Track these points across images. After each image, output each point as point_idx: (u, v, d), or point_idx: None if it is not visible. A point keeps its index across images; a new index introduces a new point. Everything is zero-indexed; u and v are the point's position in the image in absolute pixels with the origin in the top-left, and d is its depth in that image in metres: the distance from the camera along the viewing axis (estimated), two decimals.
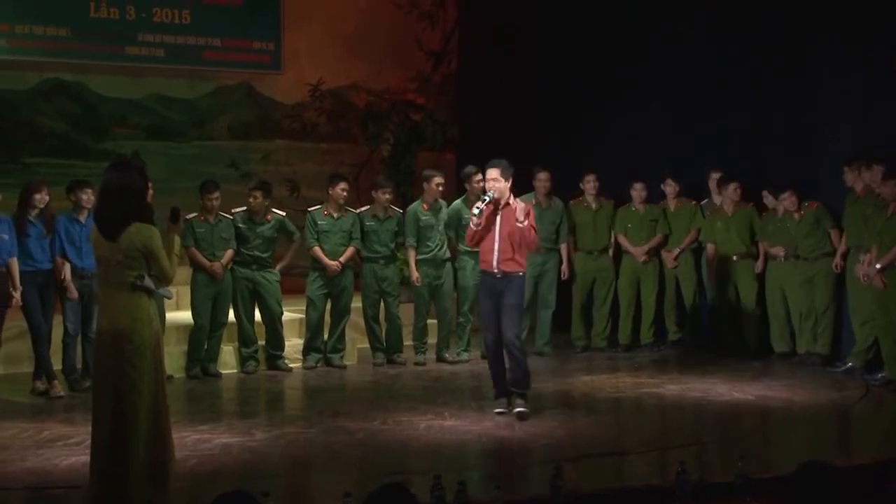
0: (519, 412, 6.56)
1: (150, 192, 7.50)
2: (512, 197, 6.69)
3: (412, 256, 8.66)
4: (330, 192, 8.62)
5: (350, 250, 8.58)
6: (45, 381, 7.39)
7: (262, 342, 8.53)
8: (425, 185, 8.80)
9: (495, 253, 6.61)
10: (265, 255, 8.41)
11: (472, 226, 6.65)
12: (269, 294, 8.40)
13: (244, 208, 8.41)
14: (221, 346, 8.33)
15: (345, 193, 8.59)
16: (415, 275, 8.61)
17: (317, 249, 8.53)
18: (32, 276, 7.33)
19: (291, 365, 8.55)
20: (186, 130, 11.03)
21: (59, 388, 7.33)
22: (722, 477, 5.08)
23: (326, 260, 8.49)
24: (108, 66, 10.41)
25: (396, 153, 11.31)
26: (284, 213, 8.64)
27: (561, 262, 9.14)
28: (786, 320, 8.62)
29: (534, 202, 9.04)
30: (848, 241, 8.10)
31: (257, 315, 8.49)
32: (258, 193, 8.37)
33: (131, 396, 4.61)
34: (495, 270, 6.62)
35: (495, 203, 6.62)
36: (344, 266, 8.56)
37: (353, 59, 11.47)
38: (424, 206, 8.71)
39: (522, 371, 6.67)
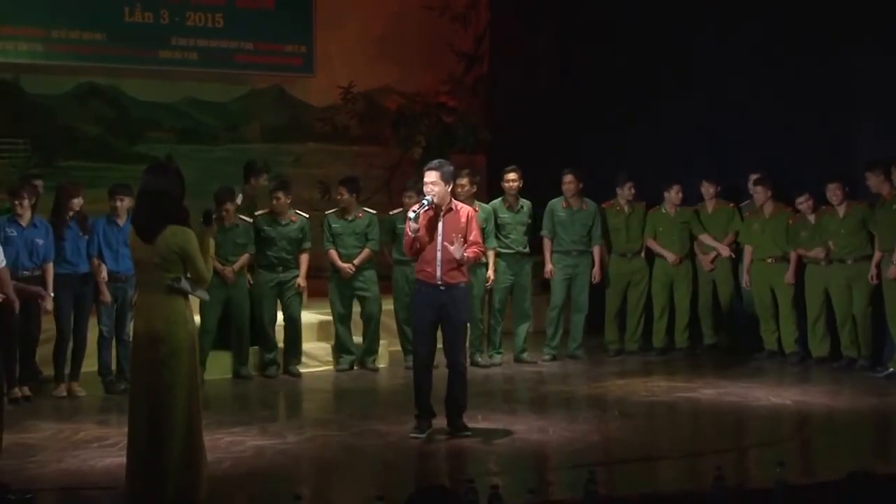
0: (465, 436, 6.19)
1: None
2: (453, 202, 6.32)
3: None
4: None
5: (365, 252, 8.53)
6: (67, 384, 7.43)
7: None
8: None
9: (438, 263, 6.17)
10: (290, 257, 8.37)
11: (408, 232, 6.20)
12: (294, 296, 8.36)
13: (266, 210, 8.38)
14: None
15: (339, 197, 8.53)
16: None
17: (332, 252, 8.52)
18: (69, 280, 7.38)
19: (323, 368, 8.53)
20: (219, 133, 11.07)
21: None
22: (760, 483, 5.01)
23: (339, 263, 8.46)
24: (141, 70, 10.48)
25: (428, 156, 11.26)
26: (308, 217, 8.57)
27: (593, 265, 9.09)
28: (825, 324, 8.50)
29: (564, 205, 9.06)
30: (879, 245, 7.99)
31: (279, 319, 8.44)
32: (280, 194, 8.34)
33: (167, 398, 4.62)
34: (438, 282, 6.18)
35: (435, 208, 6.23)
36: (359, 268, 8.52)
37: (384, 62, 11.46)
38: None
39: (465, 394, 6.34)
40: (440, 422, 6.36)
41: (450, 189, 6.31)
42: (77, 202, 7.40)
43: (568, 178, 8.99)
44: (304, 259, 8.46)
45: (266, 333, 8.34)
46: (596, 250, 9.11)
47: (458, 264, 6.23)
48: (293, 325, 8.41)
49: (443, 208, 6.26)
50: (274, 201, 8.35)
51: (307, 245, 8.47)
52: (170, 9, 10.49)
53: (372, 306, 8.63)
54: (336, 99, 11.40)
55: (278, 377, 8.30)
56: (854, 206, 8.26)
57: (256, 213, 8.39)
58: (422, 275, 6.30)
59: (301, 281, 8.40)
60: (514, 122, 11.36)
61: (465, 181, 8.49)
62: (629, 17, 10.19)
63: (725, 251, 9.10)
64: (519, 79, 11.55)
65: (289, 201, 8.41)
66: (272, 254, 8.32)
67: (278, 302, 8.41)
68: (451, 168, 6.39)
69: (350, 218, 8.56)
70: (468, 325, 6.72)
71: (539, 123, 10.99)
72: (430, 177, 6.22)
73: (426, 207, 6.20)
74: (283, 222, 8.36)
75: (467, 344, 7.25)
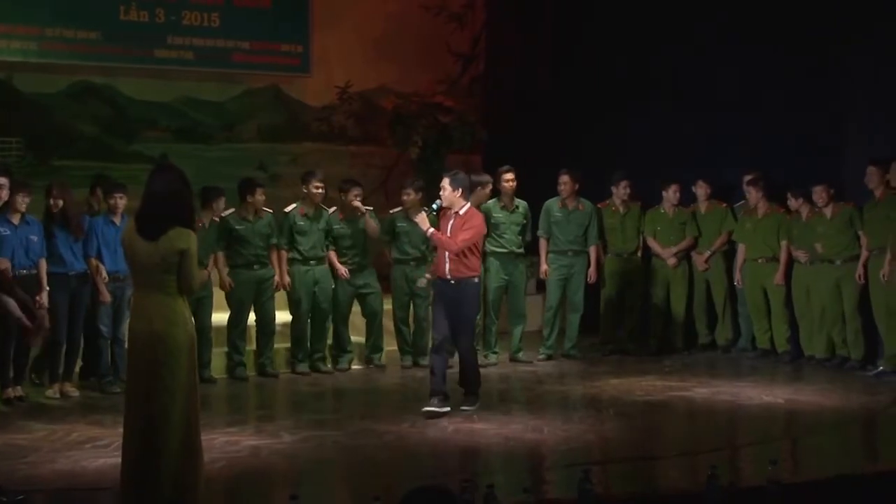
0: (464, 409, 6.86)
1: None
2: (466, 206, 6.94)
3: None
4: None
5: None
6: (59, 385, 7.41)
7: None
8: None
9: (447, 260, 6.88)
10: (265, 253, 8.26)
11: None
12: (268, 295, 8.29)
13: (232, 210, 8.24)
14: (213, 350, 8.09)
15: (353, 198, 8.43)
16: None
17: (331, 254, 8.52)
18: (63, 280, 7.32)
19: (326, 367, 8.52)
20: (215, 133, 11.06)
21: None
22: (753, 481, 5.03)
23: (337, 265, 8.47)
24: (137, 69, 10.46)
25: (425, 156, 11.28)
26: (272, 211, 8.43)
27: (589, 265, 9.10)
28: (816, 323, 8.51)
29: (560, 205, 9.07)
30: (869, 244, 8.01)
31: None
32: (261, 190, 8.24)
33: (164, 399, 4.60)
34: (448, 277, 6.90)
35: (444, 211, 6.94)
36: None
37: (381, 62, 11.46)
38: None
39: (474, 372, 7.08)
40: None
41: (459, 194, 6.88)
42: (52, 202, 7.29)
43: (564, 178, 9.01)
44: (278, 255, 8.32)
45: (238, 334, 8.21)
46: (592, 250, 9.12)
47: (465, 259, 6.83)
48: (269, 326, 8.31)
49: (452, 211, 6.89)
50: (251, 199, 8.14)
51: (274, 240, 8.32)
52: (165, 7, 10.48)
53: (375, 303, 8.62)
54: (333, 99, 11.40)
55: (246, 378, 8.15)
56: (841, 207, 8.27)
57: (223, 214, 8.18)
58: (437, 271, 7.05)
59: (279, 278, 8.27)
60: (510, 122, 11.36)
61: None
62: (625, 16, 10.20)
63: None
64: (515, 79, 11.55)
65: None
66: (248, 252, 8.17)
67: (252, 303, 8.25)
68: (463, 176, 7.03)
69: (349, 220, 8.55)
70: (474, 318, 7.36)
71: (535, 123, 11.00)
72: (442, 182, 6.93)
73: (434, 211, 6.95)
74: (253, 220, 8.23)
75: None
